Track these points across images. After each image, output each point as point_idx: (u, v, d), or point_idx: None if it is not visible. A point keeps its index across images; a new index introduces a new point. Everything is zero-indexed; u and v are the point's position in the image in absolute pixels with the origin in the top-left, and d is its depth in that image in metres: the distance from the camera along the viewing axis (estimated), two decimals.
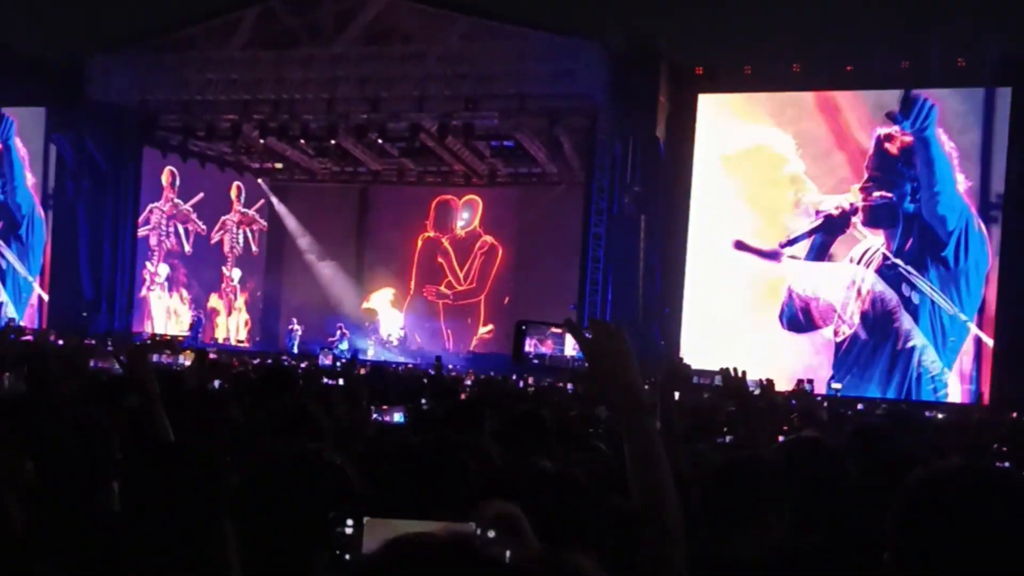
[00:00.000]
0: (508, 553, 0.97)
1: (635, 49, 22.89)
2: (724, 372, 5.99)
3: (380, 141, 26.68)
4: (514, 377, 16.92)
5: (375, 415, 5.47)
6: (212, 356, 12.24)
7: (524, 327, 2.43)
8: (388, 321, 31.30)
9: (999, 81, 21.59)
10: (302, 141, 27.70)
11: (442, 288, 31.57)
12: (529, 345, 2.44)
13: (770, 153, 23.06)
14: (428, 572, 0.91)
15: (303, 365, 16.04)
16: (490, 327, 30.50)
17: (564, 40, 22.82)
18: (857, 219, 22.36)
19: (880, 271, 22.07)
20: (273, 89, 24.92)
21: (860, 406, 15.89)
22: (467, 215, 31.54)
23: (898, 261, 21.87)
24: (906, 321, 21.67)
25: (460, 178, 30.74)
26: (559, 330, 2.40)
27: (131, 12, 29.05)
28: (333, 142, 27.07)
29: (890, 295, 21.89)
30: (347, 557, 1.57)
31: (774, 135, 22.99)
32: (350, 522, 1.59)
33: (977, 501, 1.89)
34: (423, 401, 7.65)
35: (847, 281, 22.32)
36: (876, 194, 22.13)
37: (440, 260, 31.68)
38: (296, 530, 2.17)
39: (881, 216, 22.15)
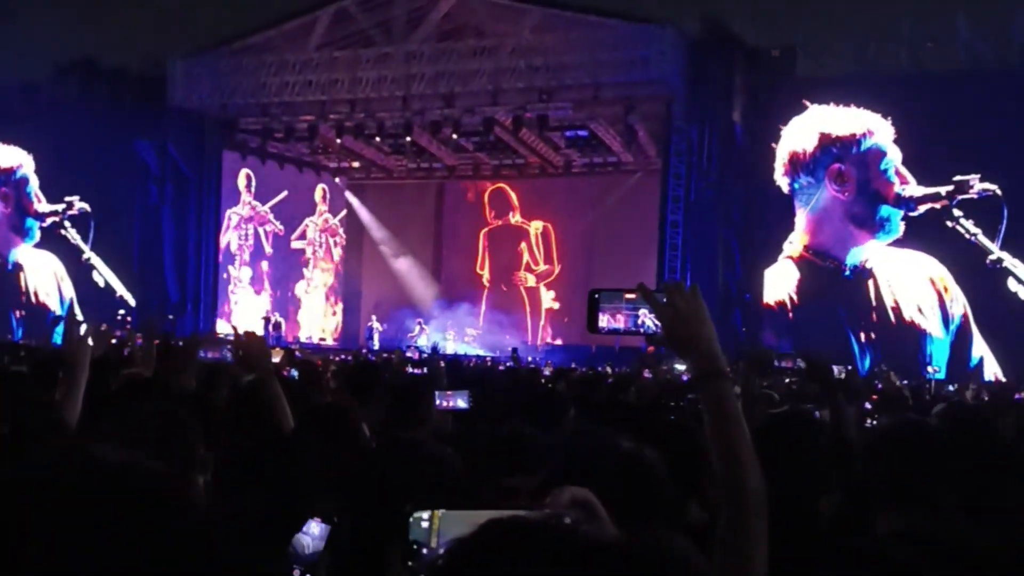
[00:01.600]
0: (594, 531, 0.94)
1: (709, 34, 22.63)
2: (805, 354, 5.89)
3: (455, 136, 26.77)
4: (599, 368, 16.88)
5: (438, 400, 5.45)
6: (297, 354, 12.44)
7: (597, 295, 2.38)
8: (466, 315, 31.42)
9: None
10: (378, 139, 27.92)
11: (522, 273, 31.65)
12: (604, 320, 2.39)
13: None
14: (521, 553, 0.88)
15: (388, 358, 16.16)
16: (565, 320, 30.46)
17: (637, 27, 22.64)
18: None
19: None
20: (349, 89, 25.19)
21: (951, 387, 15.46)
22: (543, 206, 31.51)
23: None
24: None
25: (535, 170, 30.71)
26: (633, 295, 2.34)
27: (209, 17, 29.57)
28: (409, 139, 27.24)
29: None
30: (424, 551, 1.55)
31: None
32: (426, 514, 1.58)
33: None
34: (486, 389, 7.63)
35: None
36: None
37: (520, 248, 31.73)
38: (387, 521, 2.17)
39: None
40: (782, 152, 22.54)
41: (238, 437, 3.65)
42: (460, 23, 25.36)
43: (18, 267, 29.71)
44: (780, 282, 22.98)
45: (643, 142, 26.83)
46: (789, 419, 3.53)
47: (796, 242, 22.83)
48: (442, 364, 10.60)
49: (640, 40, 22.43)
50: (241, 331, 4.33)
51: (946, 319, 21.53)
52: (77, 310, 26.99)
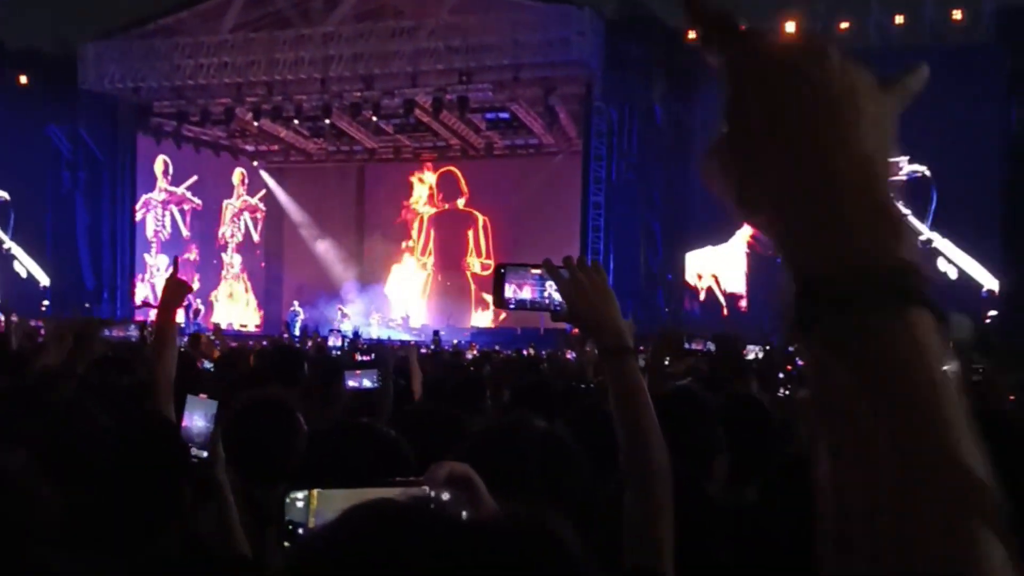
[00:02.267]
0: (464, 513, 0.90)
1: (629, 14, 22.71)
2: (716, 336, 5.95)
3: (375, 119, 26.54)
4: (523, 351, 16.90)
5: (347, 379, 5.41)
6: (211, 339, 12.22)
7: (503, 270, 2.35)
8: (394, 300, 31.24)
9: None
10: (296, 122, 27.58)
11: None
12: (510, 291, 2.35)
13: None
14: (385, 539, 0.83)
15: (308, 346, 15.97)
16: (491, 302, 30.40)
17: (557, 8, 22.63)
18: None
19: None
20: (265, 71, 24.80)
21: None
22: (464, 189, 31.42)
23: None
24: None
25: (456, 152, 30.62)
26: (539, 271, 2.31)
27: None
28: (328, 122, 26.95)
29: None
30: (300, 531, 1.51)
31: None
32: (302, 494, 1.54)
33: None
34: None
35: None
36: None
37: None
38: None
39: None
40: None
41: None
42: (378, 4, 25.12)
43: None
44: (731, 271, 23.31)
45: (564, 123, 26.90)
46: (675, 396, 3.55)
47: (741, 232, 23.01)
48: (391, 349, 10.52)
49: (559, 21, 22.43)
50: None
51: None
52: None
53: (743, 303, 23.45)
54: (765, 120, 0.72)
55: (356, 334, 21.12)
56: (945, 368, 0.69)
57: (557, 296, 2.25)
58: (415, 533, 0.82)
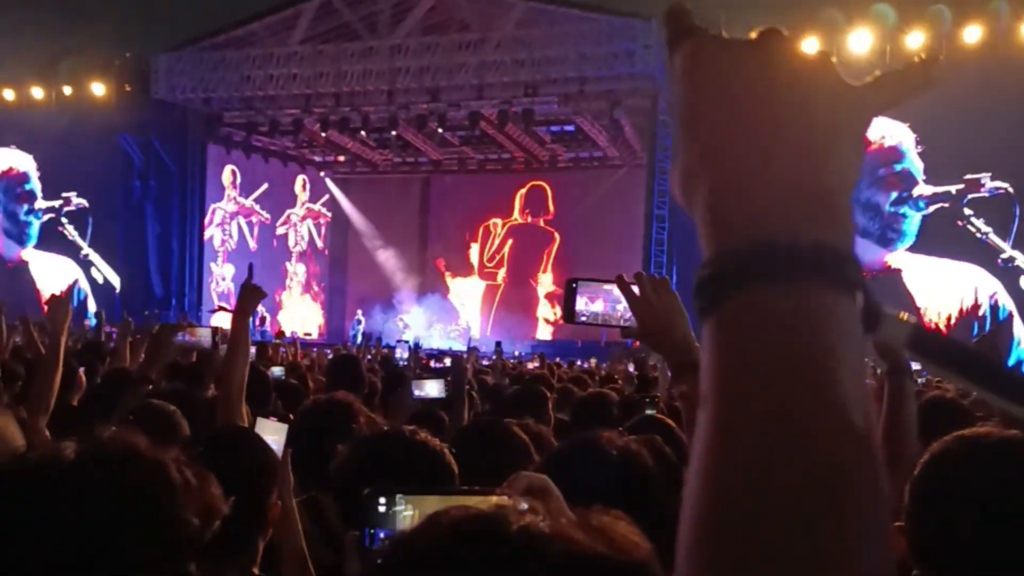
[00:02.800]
0: (542, 521, 0.92)
1: None
2: None
3: (440, 131, 26.71)
4: (580, 363, 16.86)
5: (414, 390, 5.47)
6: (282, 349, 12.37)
7: (575, 284, 2.35)
8: (457, 311, 31.34)
9: None
10: (363, 133, 27.84)
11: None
12: (581, 304, 2.36)
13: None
14: (462, 547, 0.86)
15: (369, 356, 16.09)
16: (558, 310, 30.40)
17: (622, 21, 22.61)
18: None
19: None
20: (333, 82, 25.10)
21: None
22: (550, 207, 31.36)
23: None
24: None
25: (521, 164, 30.68)
26: (610, 286, 2.31)
27: (192, 11, 29.39)
28: (394, 133, 27.18)
29: None
30: (381, 535, 1.52)
31: None
32: (383, 500, 1.55)
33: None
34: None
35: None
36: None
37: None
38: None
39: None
40: None
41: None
42: (445, 17, 25.31)
43: (24, 265, 29.52)
44: None
45: (629, 136, 26.83)
46: None
47: None
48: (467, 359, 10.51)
49: (625, 34, 22.41)
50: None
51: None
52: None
53: None
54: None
55: (417, 345, 21.21)
56: (862, 358, 0.67)
57: (627, 312, 2.25)
58: (487, 543, 0.84)
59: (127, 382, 4.76)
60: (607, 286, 2.31)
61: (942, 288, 21.22)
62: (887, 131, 21.05)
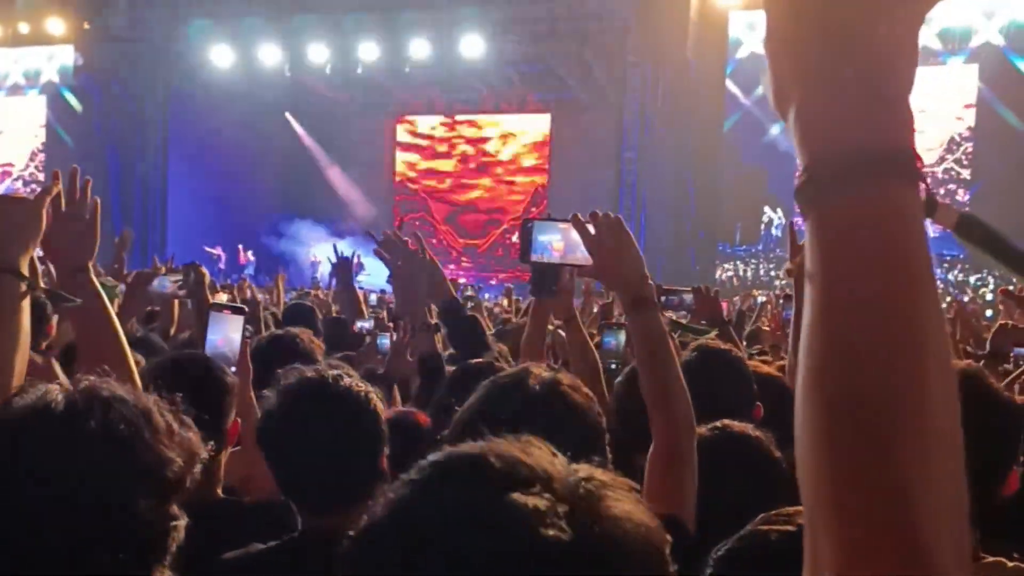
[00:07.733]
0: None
1: None
2: (696, 290, 5.82)
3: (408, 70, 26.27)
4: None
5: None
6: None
7: (530, 225, 2.33)
8: None
9: None
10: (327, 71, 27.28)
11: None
12: (537, 245, 2.34)
13: None
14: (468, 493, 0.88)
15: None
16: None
17: None
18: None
19: None
20: None
21: None
22: (500, 141, 31.18)
23: None
24: None
25: (490, 105, 30.36)
26: (566, 225, 2.30)
27: None
28: (359, 71, 26.72)
29: None
30: None
31: None
32: None
33: None
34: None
35: None
36: None
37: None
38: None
39: None
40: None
41: None
42: None
43: None
44: None
45: (598, 76, 26.56)
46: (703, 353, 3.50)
47: None
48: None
49: None
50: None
51: None
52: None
53: None
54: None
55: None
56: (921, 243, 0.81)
57: (582, 251, 2.24)
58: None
59: None
60: (562, 224, 2.30)
61: None
62: None
